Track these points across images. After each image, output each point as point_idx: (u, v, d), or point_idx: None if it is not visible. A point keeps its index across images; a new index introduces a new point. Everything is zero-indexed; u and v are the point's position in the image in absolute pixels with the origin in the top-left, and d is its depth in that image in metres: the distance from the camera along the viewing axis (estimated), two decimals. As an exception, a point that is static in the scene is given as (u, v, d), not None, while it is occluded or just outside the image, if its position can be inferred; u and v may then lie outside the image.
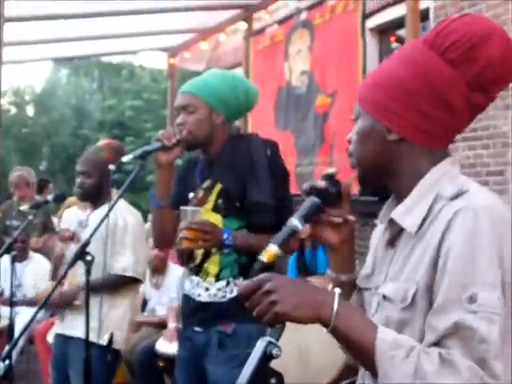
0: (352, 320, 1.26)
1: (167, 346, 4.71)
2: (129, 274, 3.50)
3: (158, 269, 5.26)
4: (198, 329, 2.63)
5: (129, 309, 3.66)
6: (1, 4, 4.49)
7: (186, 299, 2.69)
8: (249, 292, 1.25)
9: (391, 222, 1.43)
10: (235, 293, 2.55)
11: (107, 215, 2.64)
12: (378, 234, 1.56)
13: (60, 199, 3.93)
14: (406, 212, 1.39)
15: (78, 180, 3.56)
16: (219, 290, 2.59)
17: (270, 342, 1.19)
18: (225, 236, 2.50)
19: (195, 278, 2.65)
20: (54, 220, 6.67)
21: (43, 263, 6.00)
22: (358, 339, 1.25)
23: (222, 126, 2.66)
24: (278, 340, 1.20)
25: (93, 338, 3.42)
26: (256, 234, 2.55)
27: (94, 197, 3.56)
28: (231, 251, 2.57)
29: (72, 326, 3.37)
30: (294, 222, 1.39)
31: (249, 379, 1.16)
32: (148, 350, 4.75)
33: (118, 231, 3.50)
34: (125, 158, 2.51)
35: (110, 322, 3.52)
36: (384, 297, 1.39)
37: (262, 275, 1.26)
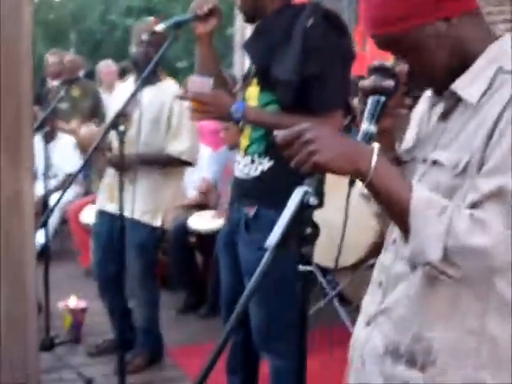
0: (389, 175, 1.27)
1: (199, 222, 4.79)
2: (184, 158, 3.59)
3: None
4: (235, 205, 2.68)
5: (178, 189, 3.80)
6: None
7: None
8: (288, 141, 1.24)
9: (449, 95, 1.40)
10: (258, 172, 2.54)
11: (141, 86, 2.64)
12: (420, 112, 1.55)
13: (90, 76, 3.95)
14: (467, 84, 1.36)
15: (142, 48, 3.50)
16: (245, 166, 2.59)
17: (307, 191, 1.19)
18: (233, 108, 2.44)
19: (238, 152, 2.68)
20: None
21: (71, 143, 6.05)
22: (394, 194, 1.26)
23: None
24: (314, 190, 1.20)
25: (146, 219, 3.55)
26: (284, 112, 2.46)
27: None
28: (249, 125, 2.54)
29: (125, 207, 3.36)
30: (368, 126, 1.33)
31: (285, 227, 1.18)
32: (179, 228, 4.84)
33: (175, 115, 3.53)
34: (158, 28, 2.52)
35: (162, 203, 3.63)
36: (434, 162, 1.39)
37: (303, 124, 1.25)
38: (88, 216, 5.50)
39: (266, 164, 2.53)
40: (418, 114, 1.57)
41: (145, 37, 2.67)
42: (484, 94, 1.33)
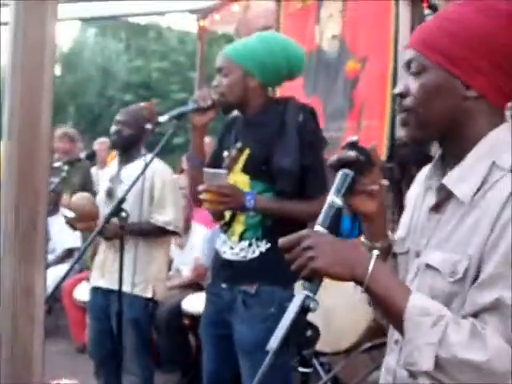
0: (385, 282, 1.29)
1: (193, 304, 4.80)
2: (171, 228, 3.65)
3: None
4: (223, 285, 2.73)
5: (165, 261, 3.84)
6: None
7: (216, 255, 2.80)
8: (289, 246, 1.29)
9: (440, 188, 1.40)
10: (257, 254, 2.63)
11: (143, 172, 2.72)
12: (415, 196, 1.54)
13: (92, 157, 4.03)
14: (459, 179, 1.35)
15: (116, 127, 3.63)
16: (242, 250, 2.67)
17: (307, 296, 1.24)
18: (246, 199, 2.57)
19: (223, 236, 2.75)
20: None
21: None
22: (389, 301, 1.29)
23: (258, 89, 2.69)
24: (315, 294, 1.24)
25: (137, 291, 3.57)
26: (281, 199, 2.61)
27: (126, 149, 3.66)
28: (256, 213, 2.63)
29: (115, 279, 3.35)
30: (333, 199, 1.36)
31: (286, 331, 1.21)
32: (174, 309, 4.84)
33: (157, 188, 3.61)
34: (161, 118, 2.61)
35: (150, 275, 3.65)
36: (428, 266, 1.38)
37: (302, 231, 1.30)
38: (82, 293, 5.50)
39: (263, 246, 2.63)
40: (412, 197, 1.57)
41: (149, 126, 2.76)
42: (477, 190, 1.32)
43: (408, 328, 1.25)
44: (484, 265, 1.26)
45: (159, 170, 3.69)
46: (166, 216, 3.66)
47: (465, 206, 1.33)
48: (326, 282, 1.65)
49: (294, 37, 6.19)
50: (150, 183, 3.64)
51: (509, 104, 1.43)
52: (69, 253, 6.19)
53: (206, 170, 2.60)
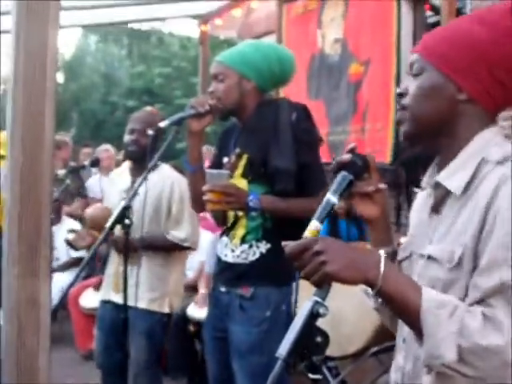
0: (397, 281, 1.29)
1: (198, 311, 4.79)
2: (187, 244, 3.60)
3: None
4: (222, 289, 2.76)
5: (182, 273, 3.80)
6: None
7: (217, 259, 2.82)
8: (297, 253, 1.28)
9: (436, 186, 1.45)
10: (257, 255, 2.66)
11: (145, 178, 2.71)
12: (419, 203, 1.58)
13: (96, 164, 3.99)
14: (452, 174, 1.40)
15: (132, 137, 3.59)
16: (242, 252, 2.69)
17: (317, 302, 1.23)
18: (249, 198, 2.59)
19: (225, 239, 2.77)
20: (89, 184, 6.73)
21: (76, 227, 6.09)
22: (404, 299, 1.28)
23: (254, 93, 2.73)
24: (324, 300, 1.23)
25: (154, 307, 3.54)
26: (283, 198, 2.63)
27: (143, 159, 3.58)
28: (258, 216, 2.65)
29: (131, 295, 3.32)
30: (330, 197, 1.42)
31: (295, 337, 1.20)
32: (179, 315, 4.82)
33: (175, 202, 3.57)
34: (162, 124, 2.62)
35: (168, 290, 3.62)
36: (429, 257, 1.41)
37: (310, 237, 1.29)
38: (88, 300, 5.49)
39: (263, 247, 2.66)
40: (415, 209, 1.60)
41: (150, 132, 2.75)
42: (469, 184, 1.37)
43: (427, 322, 1.25)
44: (482, 253, 1.29)
45: (177, 180, 3.62)
46: (183, 233, 3.60)
47: (460, 200, 1.38)
48: (333, 286, 1.64)
49: (297, 41, 6.26)
50: (169, 193, 3.60)
51: None
52: (78, 261, 6.18)
53: (208, 170, 2.62)
